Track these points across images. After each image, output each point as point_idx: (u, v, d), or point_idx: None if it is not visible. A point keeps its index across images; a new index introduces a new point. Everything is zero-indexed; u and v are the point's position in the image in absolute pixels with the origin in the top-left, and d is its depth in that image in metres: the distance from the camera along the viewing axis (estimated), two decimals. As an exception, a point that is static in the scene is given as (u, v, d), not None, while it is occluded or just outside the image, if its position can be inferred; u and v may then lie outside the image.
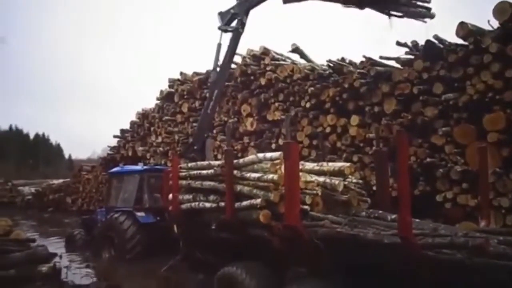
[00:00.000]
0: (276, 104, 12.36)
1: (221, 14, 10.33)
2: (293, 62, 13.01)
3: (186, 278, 7.66)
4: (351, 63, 11.33)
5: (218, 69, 10.41)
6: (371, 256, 4.75)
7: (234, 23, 10.24)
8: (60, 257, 9.53)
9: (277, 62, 12.89)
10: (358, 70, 10.47)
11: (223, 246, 6.85)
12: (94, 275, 9.52)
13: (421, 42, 9.55)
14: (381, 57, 10.40)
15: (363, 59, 10.58)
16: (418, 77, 9.20)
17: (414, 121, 9.13)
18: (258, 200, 5.83)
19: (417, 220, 5.09)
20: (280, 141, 11.81)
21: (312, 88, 11.31)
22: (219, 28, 10.29)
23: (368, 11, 9.69)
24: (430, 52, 9.13)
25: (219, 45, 10.33)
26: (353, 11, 9.72)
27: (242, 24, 10.17)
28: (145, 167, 12.46)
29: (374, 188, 7.62)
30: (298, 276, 5.64)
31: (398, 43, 9.93)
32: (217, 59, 10.40)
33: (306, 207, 5.72)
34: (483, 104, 8.13)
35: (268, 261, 6.04)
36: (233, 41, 10.27)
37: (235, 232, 6.44)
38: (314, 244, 5.13)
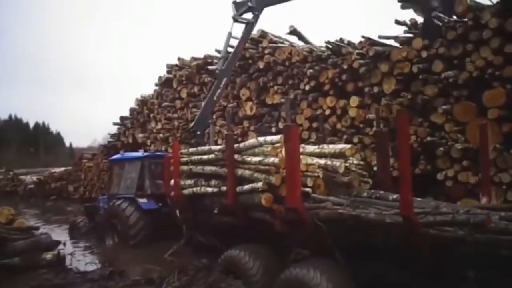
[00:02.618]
0: (275, 87, 12.30)
1: (236, 4, 10.59)
2: (291, 45, 12.88)
3: (189, 262, 7.71)
4: (349, 43, 11.21)
5: (225, 57, 10.68)
6: (373, 236, 4.77)
7: (247, 15, 10.62)
8: (64, 244, 9.63)
9: (275, 45, 12.77)
10: (357, 51, 10.38)
11: (225, 230, 6.89)
12: (99, 261, 9.60)
13: (420, 20, 9.47)
14: (379, 37, 10.30)
15: (362, 40, 10.48)
16: (417, 56, 9.12)
17: (414, 100, 9.08)
18: (260, 184, 5.84)
19: (418, 199, 5.10)
20: (280, 125, 11.79)
21: (311, 70, 11.24)
22: (233, 17, 10.57)
23: None
24: (429, 30, 9.04)
25: (230, 34, 10.63)
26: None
27: (257, 18, 10.61)
28: (145, 153, 12.48)
29: (375, 168, 7.64)
30: (300, 258, 5.68)
31: (397, 22, 9.84)
32: (226, 47, 10.72)
33: (307, 189, 5.74)
34: (483, 81, 8.09)
35: (270, 243, 6.08)
36: (247, 33, 10.80)
37: (237, 215, 6.47)
38: (316, 226, 5.15)
